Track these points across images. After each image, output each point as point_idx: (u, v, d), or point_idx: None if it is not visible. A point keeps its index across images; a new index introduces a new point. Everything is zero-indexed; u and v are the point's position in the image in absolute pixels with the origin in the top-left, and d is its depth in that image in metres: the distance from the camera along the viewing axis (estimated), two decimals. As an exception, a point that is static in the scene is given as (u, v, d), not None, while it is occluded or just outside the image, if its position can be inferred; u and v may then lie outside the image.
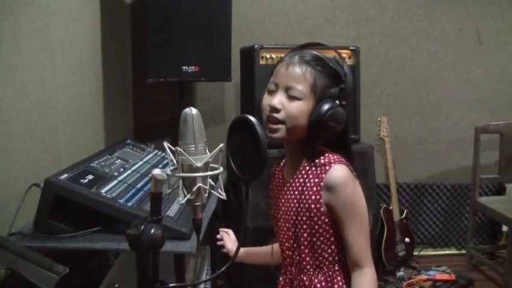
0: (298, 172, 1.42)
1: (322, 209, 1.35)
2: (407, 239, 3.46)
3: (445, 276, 3.34)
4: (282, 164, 1.55)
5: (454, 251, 3.92)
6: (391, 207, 3.44)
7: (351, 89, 1.39)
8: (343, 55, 2.97)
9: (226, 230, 1.78)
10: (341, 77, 1.36)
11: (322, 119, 1.31)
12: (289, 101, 1.34)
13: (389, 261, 3.37)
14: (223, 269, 1.21)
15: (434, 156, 3.84)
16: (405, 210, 3.53)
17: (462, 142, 3.71)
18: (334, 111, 1.32)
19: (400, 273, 3.37)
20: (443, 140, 3.84)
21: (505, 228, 3.65)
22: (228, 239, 1.74)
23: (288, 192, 1.44)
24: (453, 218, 3.89)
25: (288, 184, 1.45)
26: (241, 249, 1.72)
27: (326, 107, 1.32)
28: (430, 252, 3.88)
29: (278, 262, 1.59)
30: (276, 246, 1.59)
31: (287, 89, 1.35)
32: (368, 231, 1.37)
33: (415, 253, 3.66)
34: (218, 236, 1.77)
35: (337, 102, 1.34)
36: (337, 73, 1.36)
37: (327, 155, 1.38)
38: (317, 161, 1.38)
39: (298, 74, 1.34)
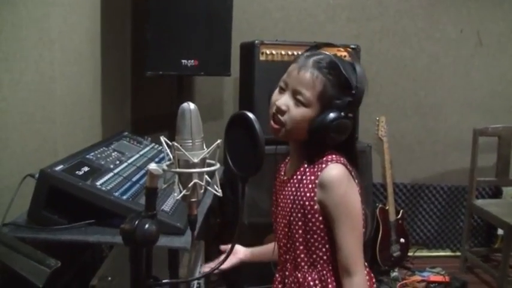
0: (297, 170, 1.42)
1: (316, 207, 1.35)
2: (402, 240, 3.46)
3: (439, 278, 3.35)
4: (286, 160, 1.55)
5: (449, 253, 3.93)
6: (387, 207, 3.44)
7: (360, 100, 1.37)
8: (343, 53, 2.95)
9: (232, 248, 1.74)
10: (351, 89, 1.35)
11: (321, 128, 1.32)
12: (295, 105, 1.35)
13: (383, 261, 3.37)
14: (216, 266, 1.20)
15: (431, 157, 3.84)
16: (401, 211, 3.53)
17: (460, 144, 3.71)
18: (336, 123, 1.32)
19: (394, 274, 3.38)
20: (441, 141, 3.83)
21: (500, 231, 3.66)
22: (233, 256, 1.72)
23: (286, 189, 1.45)
24: (449, 219, 3.89)
25: (287, 181, 1.45)
26: (247, 251, 1.72)
27: (328, 117, 1.32)
28: (425, 253, 3.88)
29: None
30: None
31: (294, 93, 1.35)
32: (361, 235, 1.36)
33: (410, 254, 3.67)
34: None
35: (342, 114, 1.33)
36: (348, 83, 1.36)
37: (326, 154, 1.38)
38: (316, 159, 1.38)
39: (308, 80, 1.34)
